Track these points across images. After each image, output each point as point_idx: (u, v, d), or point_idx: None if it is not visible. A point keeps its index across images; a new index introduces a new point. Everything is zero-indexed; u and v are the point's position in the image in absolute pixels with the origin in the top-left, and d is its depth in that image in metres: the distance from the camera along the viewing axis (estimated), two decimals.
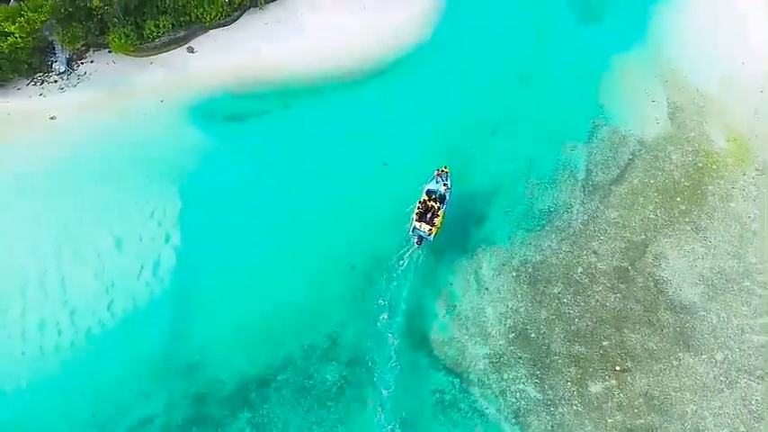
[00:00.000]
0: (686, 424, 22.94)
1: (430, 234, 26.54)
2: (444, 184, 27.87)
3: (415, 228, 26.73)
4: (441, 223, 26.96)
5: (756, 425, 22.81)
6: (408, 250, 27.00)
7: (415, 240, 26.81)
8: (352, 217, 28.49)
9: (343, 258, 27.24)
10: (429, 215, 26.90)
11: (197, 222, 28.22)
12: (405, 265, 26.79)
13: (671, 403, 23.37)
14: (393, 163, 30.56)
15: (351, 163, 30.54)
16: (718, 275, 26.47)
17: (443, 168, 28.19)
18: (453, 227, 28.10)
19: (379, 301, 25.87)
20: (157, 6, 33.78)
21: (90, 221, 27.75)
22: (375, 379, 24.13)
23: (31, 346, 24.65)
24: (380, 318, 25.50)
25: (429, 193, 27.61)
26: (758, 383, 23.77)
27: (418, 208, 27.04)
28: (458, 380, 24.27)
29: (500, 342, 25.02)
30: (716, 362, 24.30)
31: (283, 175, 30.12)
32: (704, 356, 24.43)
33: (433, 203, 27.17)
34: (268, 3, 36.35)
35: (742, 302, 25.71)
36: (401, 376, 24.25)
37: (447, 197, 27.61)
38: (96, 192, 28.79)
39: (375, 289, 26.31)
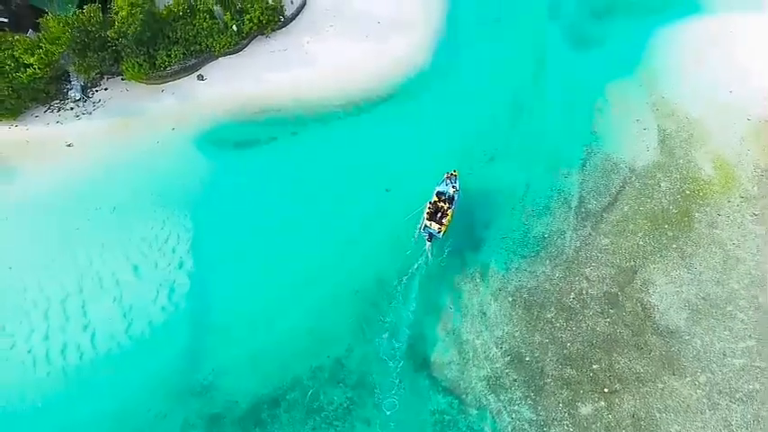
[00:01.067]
0: None
1: (439, 232, 28.79)
2: (453, 187, 30.09)
3: (425, 226, 29.04)
4: (449, 222, 29.22)
5: None
6: (409, 276, 28.55)
7: (426, 238, 28.99)
8: (355, 243, 30.02)
9: (347, 283, 28.72)
10: (439, 215, 29.15)
11: (209, 248, 29.73)
12: (407, 289, 28.35)
13: (656, 424, 24.93)
14: (395, 189, 32.03)
15: (355, 189, 32.03)
16: (703, 301, 28.00)
17: (453, 172, 30.49)
18: (453, 251, 29.72)
19: (383, 326, 27.42)
20: (169, 36, 35.27)
21: (108, 248, 29.28)
22: (379, 400, 25.67)
23: (55, 367, 26.24)
24: (384, 341, 27.06)
25: (439, 194, 29.92)
26: (738, 405, 25.32)
27: (429, 208, 29.29)
28: (457, 401, 25.81)
29: (496, 365, 26.55)
30: (699, 384, 25.85)
31: (290, 201, 31.58)
32: (688, 379, 25.98)
33: (443, 204, 29.42)
34: (274, 31, 37.82)
35: (724, 327, 27.25)
36: (403, 397, 25.79)
37: (456, 198, 29.83)
38: (114, 218, 30.35)
39: (378, 313, 27.85)
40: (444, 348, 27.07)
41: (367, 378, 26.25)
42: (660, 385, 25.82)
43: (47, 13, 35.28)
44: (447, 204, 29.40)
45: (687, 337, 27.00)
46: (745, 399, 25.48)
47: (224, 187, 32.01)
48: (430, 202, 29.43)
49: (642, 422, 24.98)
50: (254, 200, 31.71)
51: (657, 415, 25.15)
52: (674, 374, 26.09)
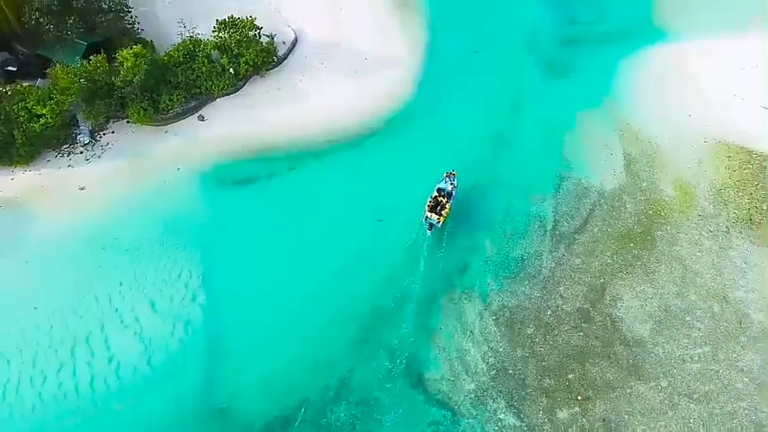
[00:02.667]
0: None
1: (439, 222, 33.27)
2: (451, 184, 34.67)
3: (427, 217, 33.34)
4: (447, 214, 33.70)
5: None
6: (403, 301, 31.59)
7: (428, 227, 33.33)
8: (352, 271, 32.86)
9: (346, 309, 31.63)
10: (438, 208, 33.50)
11: (219, 281, 32.41)
12: (401, 313, 31.39)
13: (625, 426, 28.29)
14: (387, 219, 34.97)
15: (350, 220, 34.85)
16: (665, 313, 31.44)
17: (452, 171, 35.01)
18: (441, 275, 32.81)
19: (380, 347, 30.43)
20: (170, 81, 37.81)
21: (126, 285, 31.85)
22: (380, 415, 28.70)
23: (84, 399, 28.80)
24: (382, 361, 30.06)
25: (439, 190, 34.42)
26: (696, 405, 28.78)
27: (430, 202, 33.70)
28: (449, 413, 28.90)
29: (483, 378, 29.72)
30: (661, 388, 29.28)
31: (290, 234, 34.31)
32: (652, 384, 29.39)
33: (442, 199, 33.91)
34: (268, 71, 40.49)
35: (683, 336, 30.72)
36: (402, 412, 28.85)
37: (454, 194, 34.38)
38: (129, 257, 32.87)
39: (376, 336, 30.85)
40: (436, 365, 30.16)
41: (368, 395, 29.25)
42: (628, 390, 29.20)
43: (54, 62, 37.71)
44: (446, 199, 33.97)
45: (651, 346, 30.42)
46: (701, 399, 28.96)
47: (229, 223, 34.66)
48: (431, 198, 33.88)
49: (612, 424, 28.33)
50: (257, 233, 34.40)
51: (626, 417, 28.53)
52: (639, 380, 29.49)
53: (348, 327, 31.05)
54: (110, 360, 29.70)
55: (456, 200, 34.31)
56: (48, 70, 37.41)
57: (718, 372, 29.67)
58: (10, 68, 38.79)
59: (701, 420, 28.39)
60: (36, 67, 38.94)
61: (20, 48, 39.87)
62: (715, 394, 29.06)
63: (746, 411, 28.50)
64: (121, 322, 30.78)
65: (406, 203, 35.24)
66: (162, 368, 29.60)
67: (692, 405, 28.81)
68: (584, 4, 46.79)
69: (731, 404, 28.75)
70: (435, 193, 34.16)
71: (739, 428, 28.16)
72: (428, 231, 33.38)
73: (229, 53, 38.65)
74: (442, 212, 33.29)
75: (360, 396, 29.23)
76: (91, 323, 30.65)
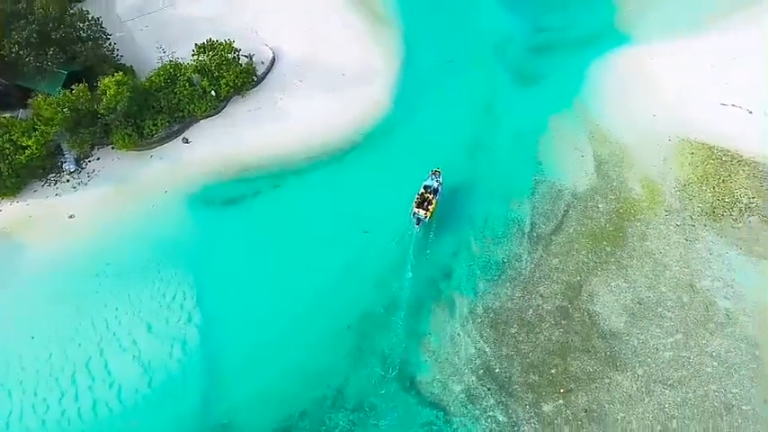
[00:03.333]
0: (617, 429, 29.72)
1: (426, 217, 35.45)
2: (437, 181, 37.08)
3: (415, 212, 35.53)
4: (434, 209, 35.96)
5: (669, 423, 29.76)
6: (392, 309, 33.01)
7: (415, 222, 35.52)
8: (342, 282, 34.20)
9: (339, 320, 32.94)
10: (425, 204, 35.82)
11: (212, 300, 33.44)
12: (391, 321, 32.82)
13: (605, 413, 30.15)
14: (372, 230, 36.31)
15: (337, 233, 36.14)
16: (638, 305, 33.41)
17: (437, 169, 37.55)
18: (428, 281, 34.33)
19: (374, 354, 31.83)
20: (153, 106, 38.60)
21: (122, 310, 32.71)
22: (376, 420, 30.10)
23: (88, 424, 29.61)
24: (376, 368, 31.47)
25: (426, 187, 36.69)
26: (670, 390, 30.77)
27: (418, 198, 35.95)
28: (442, 413, 30.43)
29: (472, 378, 31.31)
30: (638, 376, 31.21)
31: (279, 250, 35.54)
32: (629, 373, 31.32)
33: (429, 195, 36.27)
34: (249, 90, 41.46)
35: (656, 326, 32.71)
36: (397, 415, 30.29)
37: (439, 190, 36.83)
38: (122, 282, 33.66)
39: (368, 344, 32.24)
40: (427, 369, 31.65)
41: (364, 401, 30.62)
42: (606, 381, 31.08)
43: (34, 91, 38.13)
44: (432, 195, 36.30)
45: (626, 338, 32.35)
46: (675, 384, 30.97)
47: (219, 242, 35.68)
48: (418, 194, 35.99)
49: (594, 413, 30.17)
50: (247, 251, 35.47)
51: (606, 406, 30.38)
52: (617, 370, 31.39)
53: (341, 337, 32.36)
54: (110, 384, 30.58)
55: (441, 196, 36.69)
56: (29, 100, 37.84)
57: (689, 358, 31.72)
58: None
59: (676, 405, 30.38)
60: (16, 97, 39.30)
61: None
62: (687, 379, 31.08)
63: (716, 394, 30.57)
64: (120, 346, 31.65)
65: (390, 213, 36.69)
66: (162, 388, 30.55)
67: (667, 391, 30.80)
68: (551, 11, 48.76)
69: (702, 388, 30.80)
70: (422, 190, 36.41)
71: (711, 410, 30.18)
72: (416, 226, 35.53)
73: (210, 76, 39.54)
74: (429, 208, 35.69)
75: (356, 403, 30.59)
76: (90, 349, 31.47)
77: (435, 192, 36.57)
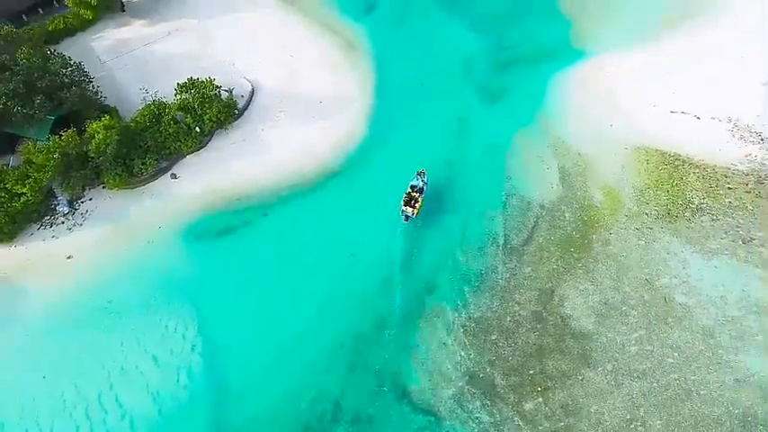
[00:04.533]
0: (591, 420, 32.98)
1: (413, 214, 39.28)
2: (422, 181, 41.00)
3: (403, 210, 39.28)
4: (420, 207, 39.89)
5: (637, 412, 33.14)
6: (382, 325, 35.61)
7: (404, 219, 39.27)
8: (333, 304, 36.63)
9: (333, 339, 35.41)
10: (412, 202, 39.71)
11: (213, 328, 35.58)
12: (382, 336, 35.44)
13: (580, 408, 33.37)
14: (359, 253, 38.81)
15: (325, 257, 38.53)
16: (605, 305, 36.70)
17: (422, 170, 41.42)
18: (414, 297, 37.03)
19: (367, 368, 34.42)
20: (140, 146, 40.29)
21: (127, 344, 34.63)
22: (374, 430, 32.72)
23: None
24: (370, 380, 34.06)
25: (412, 186, 40.53)
26: (636, 382, 34.12)
27: (405, 197, 39.65)
28: (433, 418, 33.24)
29: (459, 384, 34.17)
30: (607, 371, 34.49)
31: (271, 275, 37.74)
32: (599, 369, 34.58)
33: (415, 194, 40.14)
34: (232, 123, 43.41)
35: (622, 323, 36.03)
36: (393, 424, 32.96)
37: (425, 189, 40.74)
38: (125, 318, 35.58)
39: (362, 360, 34.81)
40: (418, 379, 34.39)
41: (362, 414, 33.22)
42: (580, 377, 34.29)
43: (23, 138, 39.48)
44: (418, 194, 40.16)
45: (595, 336, 35.60)
46: (641, 376, 34.33)
47: (215, 272, 37.75)
48: (406, 193, 39.76)
49: (570, 408, 33.35)
50: (241, 279, 37.62)
51: (580, 400, 33.59)
52: (588, 367, 34.62)
53: (337, 354, 34.86)
54: (123, 416, 32.55)
55: (426, 195, 40.64)
56: (18, 147, 39.20)
57: (652, 351, 35.12)
58: None
59: (642, 395, 33.73)
60: (5, 143, 40.53)
61: None
62: (651, 371, 34.46)
63: (678, 382, 34.01)
64: (128, 379, 33.61)
65: (374, 235, 39.27)
66: (172, 415, 32.64)
67: (634, 383, 34.14)
68: (511, 28, 51.77)
69: (665, 377, 34.22)
70: (409, 189, 40.26)
71: (674, 397, 33.61)
72: (404, 222, 39.48)
73: (193, 113, 41.35)
74: (416, 205, 39.45)
75: (354, 415, 33.15)
76: (100, 383, 33.37)
77: (421, 191, 40.57)
